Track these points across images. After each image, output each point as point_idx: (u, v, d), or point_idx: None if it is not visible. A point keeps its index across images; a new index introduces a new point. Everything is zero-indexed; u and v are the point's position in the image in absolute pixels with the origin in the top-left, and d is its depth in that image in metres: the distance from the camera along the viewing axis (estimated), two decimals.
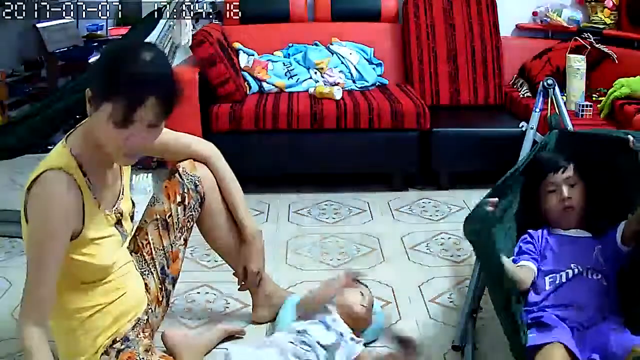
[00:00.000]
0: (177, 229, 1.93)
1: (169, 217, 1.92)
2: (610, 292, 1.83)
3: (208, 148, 2.02)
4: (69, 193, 1.52)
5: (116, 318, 1.71)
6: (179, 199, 1.93)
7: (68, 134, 1.64)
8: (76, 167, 1.57)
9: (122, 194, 1.74)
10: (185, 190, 1.94)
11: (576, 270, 1.84)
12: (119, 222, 1.71)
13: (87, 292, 1.66)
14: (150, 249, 1.89)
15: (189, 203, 1.95)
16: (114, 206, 1.70)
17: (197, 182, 1.96)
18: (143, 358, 1.71)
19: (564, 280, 1.83)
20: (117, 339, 1.70)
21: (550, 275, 1.85)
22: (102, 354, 1.68)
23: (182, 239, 1.96)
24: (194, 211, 1.97)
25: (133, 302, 1.77)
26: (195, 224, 2.02)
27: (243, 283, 2.12)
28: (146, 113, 1.49)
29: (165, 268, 1.91)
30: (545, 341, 1.64)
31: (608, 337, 1.66)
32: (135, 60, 1.49)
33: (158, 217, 1.92)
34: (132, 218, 1.81)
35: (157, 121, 1.53)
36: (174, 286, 1.96)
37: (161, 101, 1.50)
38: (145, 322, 1.80)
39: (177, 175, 1.94)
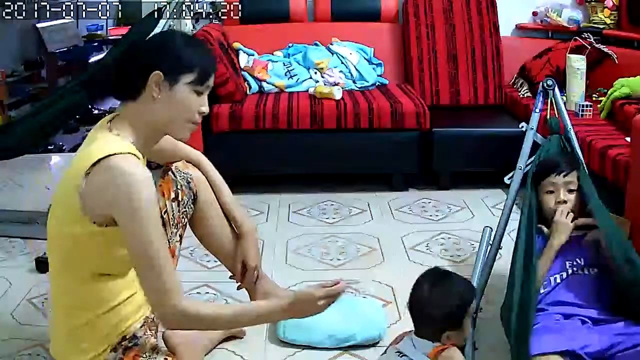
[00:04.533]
0: (172, 225, 1.96)
1: (164, 213, 1.94)
2: (607, 284, 1.85)
3: (197, 153, 2.07)
4: (148, 174, 1.54)
5: (126, 316, 1.72)
6: (172, 195, 1.96)
7: (110, 118, 1.65)
8: (140, 154, 1.61)
9: None
10: (179, 187, 1.97)
11: (570, 271, 1.86)
12: None
13: (105, 287, 1.66)
14: None
15: (182, 199, 1.97)
16: None
17: (189, 179, 1.99)
18: (149, 356, 1.72)
19: (558, 281, 1.85)
20: (126, 337, 1.71)
21: (544, 279, 1.87)
22: (111, 350, 1.69)
23: (177, 235, 1.98)
24: (188, 207, 2.00)
25: (142, 301, 1.77)
26: (190, 228, 2.05)
27: (241, 282, 2.12)
28: (213, 79, 1.69)
29: None
30: (543, 350, 1.64)
31: (629, 330, 1.70)
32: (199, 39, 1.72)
33: None
34: None
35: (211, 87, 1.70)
36: None
37: (215, 70, 1.70)
38: (152, 320, 1.81)
39: (170, 173, 1.98)
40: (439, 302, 1.63)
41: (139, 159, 1.57)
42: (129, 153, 1.55)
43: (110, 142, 1.57)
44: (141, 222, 1.50)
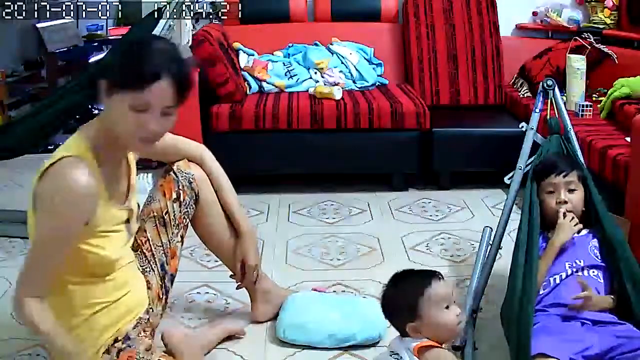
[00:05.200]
0: (174, 226, 1.95)
1: (165, 214, 1.94)
2: (607, 287, 1.85)
3: (200, 148, 2.05)
4: (87, 179, 1.52)
5: (118, 317, 1.71)
6: (174, 195, 1.96)
7: (84, 125, 1.64)
8: (91, 157, 1.58)
9: (130, 192, 1.75)
10: (180, 187, 1.96)
11: (570, 272, 1.86)
12: (127, 220, 1.72)
13: (92, 289, 1.66)
14: (150, 245, 1.91)
15: (184, 199, 1.97)
16: (123, 203, 1.71)
17: (191, 179, 1.99)
18: (143, 357, 1.71)
19: (557, 282, 1.85)
20: (119, 338, 1.71)
21: (544, 279, 1.87)
22: (104, 352, 1.69)
23: (179, 235, 1.98)
24: (189, 208, 1.99)
25: (135, 302, 1.77)
26: (190, 226, 2.04)
27: (241, 281, 2.12)
28: (161, 96, 1.51)
29: (165, 265, 1.93)
30: (541, 351, 1.64)
31: (629, 334, 1.69)
32: (151, 47, 1.54)
33: (155, 214, 1.94)
34: (137, 218, 1.82)
35: (171, 107, 1.55)
36: (172, 284, 1.97)
37: (175, 85, 1.53)
38: (146, 321, 1.80)
39: (171, 173, 1.97)
40: (385, 295, 1.68)
41: (86, 161, 1.54)
42: (72, 156, 1.53)
43: (67, 146, 1.58)
44: (45, 216, 1.52)
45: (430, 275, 1.66)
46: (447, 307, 1.62)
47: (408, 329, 1.65)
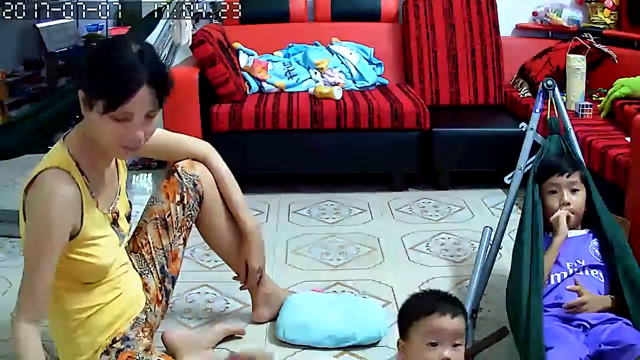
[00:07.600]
0: (176, 229, 1.93)
1: (168, 216, 1.92)
2: (608, 287, 1.85)
3: (205, 147, 2.02)
4: (67, 190, 1.53)
5: (114, 318, 1.71)
6: (178, 198, 1.93)
7: (65, 134, 1.65)
8: (74, 166, 1.58)
9: (119, 194, 1.75)
10: (184, 190, 1.94)
11: (571, 271, 1.86)
12: (114, 222, 1.71)
13: (86, 292, 1.66)
14: (150, 248, 1.90)
15: (188, 202, 1.95)
16: (110, 206, 1.70)
17: (195, 181, 1.96)
18: (142, 357, 1.71)
19: (559, 281, 1.85)
20: (117, 339, 1.71)
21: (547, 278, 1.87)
22: (102, 353, 1.69)
23: (181, 238, 1.96)
24: (193, 210, 1.97)
25: (130, 302, 1.77)
26: (194, 226, 2.03)
27: (244, 282, 2.11)
28: (142, 104, 1.48)
29: (165, 267, 1.92)
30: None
31: (620, 331, 1.68)
32: (123, 52, 1.48)
33: (157, 216, 1.92)
34: (129, 219, 1.80)
35: (151, 111, 1.51)
36: (173, 285, 1.96)
37: (154, 89, 1.48)
38: (144, 321, 1.80)
39: (175, 174, 1.95)
40: (404, 301, 1.68)
41: (67, 172, 1.54)
42: (57, 167, 1.54)
43: (49, 156, 1.59)
44: (30, 231, 1.54)
45: (444, 306, 1.55)
46: (434, 344, 1.52)
47: (398, 344, 1.64)
